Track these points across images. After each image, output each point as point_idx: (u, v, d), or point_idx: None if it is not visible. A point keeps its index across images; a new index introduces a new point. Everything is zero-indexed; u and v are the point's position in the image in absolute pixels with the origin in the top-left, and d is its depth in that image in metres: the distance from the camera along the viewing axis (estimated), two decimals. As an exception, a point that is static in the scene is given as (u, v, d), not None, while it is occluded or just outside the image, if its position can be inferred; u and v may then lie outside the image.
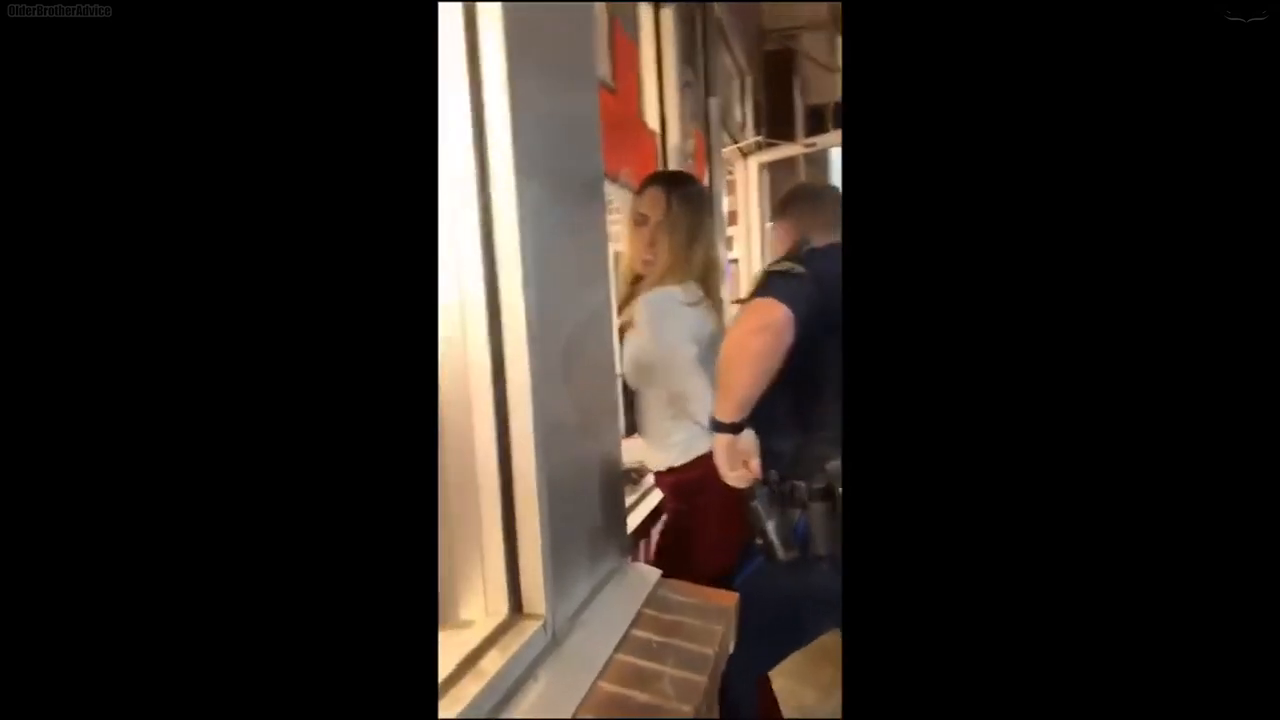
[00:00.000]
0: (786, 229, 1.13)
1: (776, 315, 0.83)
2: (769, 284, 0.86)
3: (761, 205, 2.64)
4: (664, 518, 1.20)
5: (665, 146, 1.60)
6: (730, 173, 2.63)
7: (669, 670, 0.68)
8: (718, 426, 0.88)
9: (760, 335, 0.83)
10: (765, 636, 1.00)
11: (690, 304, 1.07)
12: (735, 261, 2.71)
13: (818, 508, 0.90)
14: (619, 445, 0.97)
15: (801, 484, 0.91)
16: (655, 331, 1.06)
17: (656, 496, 1.24)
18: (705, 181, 1.88)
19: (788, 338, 0.83)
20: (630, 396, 1.15)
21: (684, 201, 1.11)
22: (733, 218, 2.64)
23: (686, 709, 0.62)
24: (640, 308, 1.06)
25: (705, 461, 1.06)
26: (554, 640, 0.70)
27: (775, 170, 2.68)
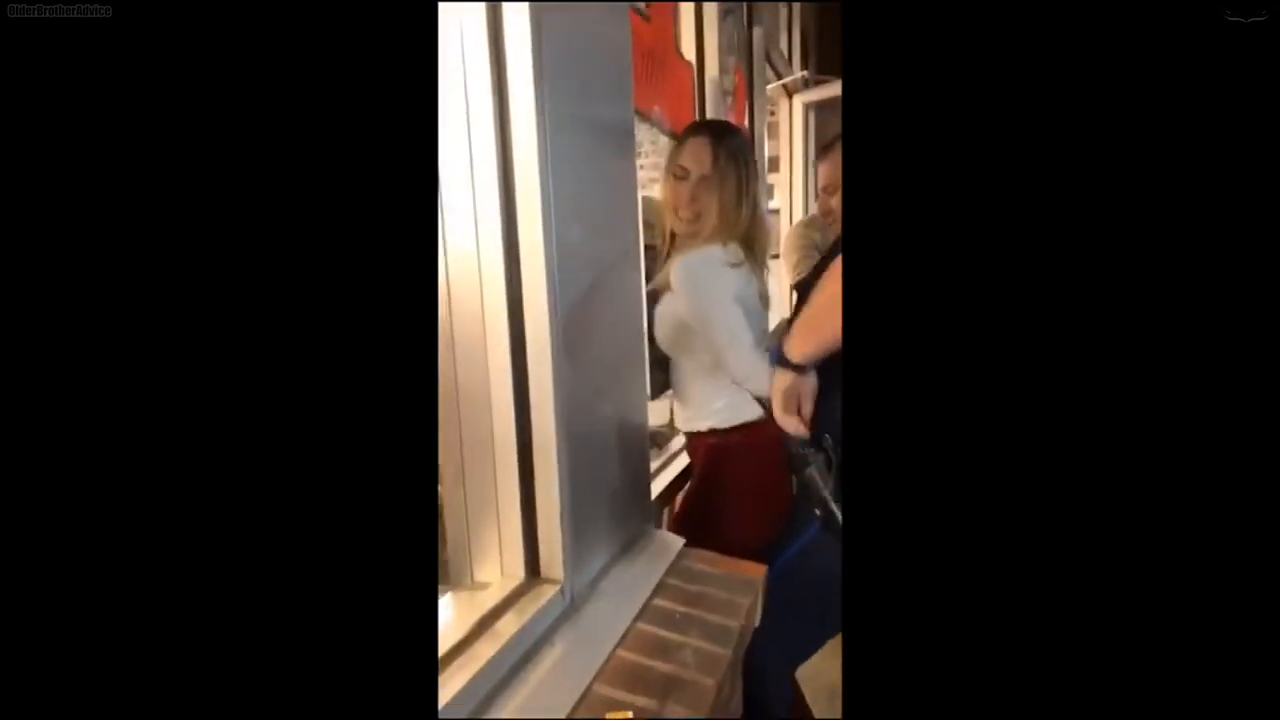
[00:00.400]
0: None
1: None
2: None
3: (807, 149, 2.48)
4: (689, 483, 1.15)
5: (703, 81, 1.48)
6: (773, 113, 2.46)
7: (691, 641, 0.66)
8: (784, 362, 0.81)
9: None
10: (816, 615, 0.96)
11: (733, 265, 0.99)
12: (776, 212, 2.58)
13: None
14: (644, 407, 0.93)
15: None
16: (695, 295, 0.98)
17: (683, 461, 1.20)
18: (746, 122, 1.76)
19: None
20: (657, 354, 1.09)
21: (731, 155, 1.01)
22: (774, 163, 2.48)
23: (709, 681, 0.60)
24: (678, 270, 0.98)
25: (749, 428, 1.02)
26: (572, 606, 0.68)
27: (823, 111, 2.49)
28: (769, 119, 2.40)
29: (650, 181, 1.24)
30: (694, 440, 1.12)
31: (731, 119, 1.63)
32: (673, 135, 1.32)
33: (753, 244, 1.04)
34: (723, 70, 1.56)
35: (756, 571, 0.81)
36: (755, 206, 1.04)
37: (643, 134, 1.24)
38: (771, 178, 2.44)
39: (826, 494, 0.84)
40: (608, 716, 0.55)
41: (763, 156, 1.90)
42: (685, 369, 1.07)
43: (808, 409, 0.83)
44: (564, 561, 0.68)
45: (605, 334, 0.77)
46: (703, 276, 0.97)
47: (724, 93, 1.57)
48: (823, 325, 0.78)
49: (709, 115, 1.47)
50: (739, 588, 0.76)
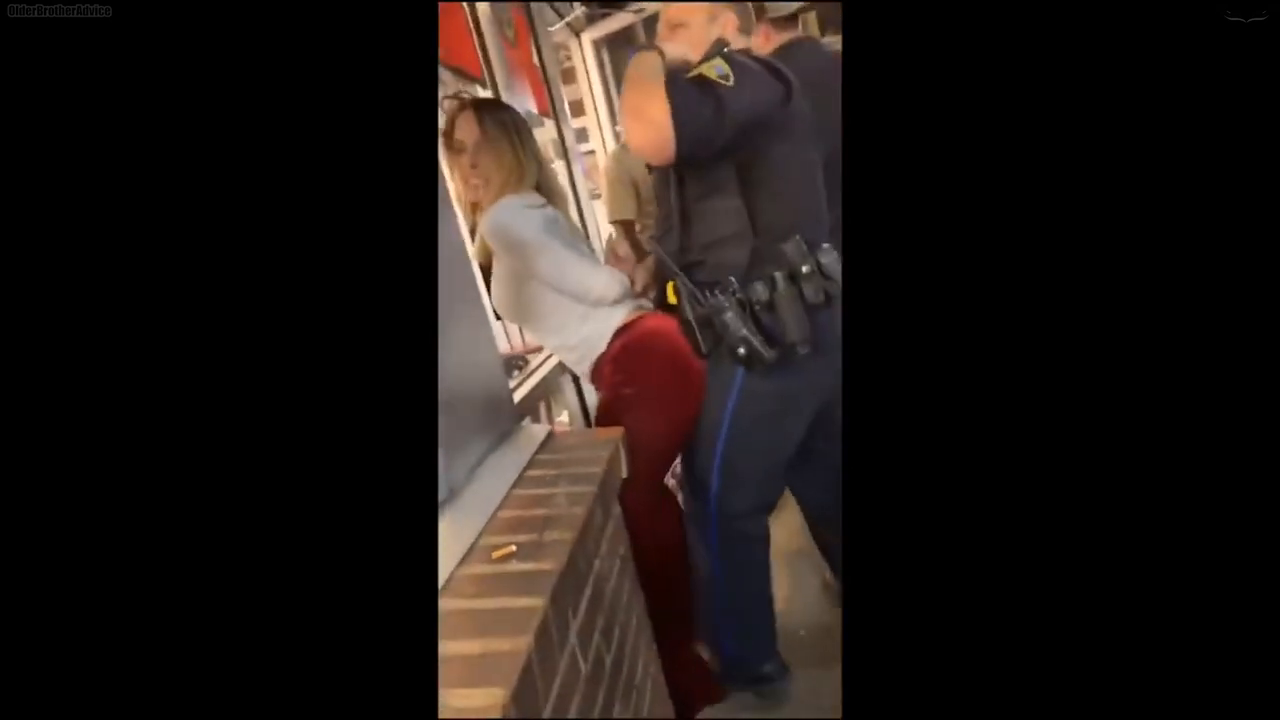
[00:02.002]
0: (697, 24, 1.03)
1: (658, 136, 0.84)
2: (674, 89, 0.85)
3: (606, 86, 2.57)
4: (599, 400, 1.19)
5: (477, 19, 1.50)
6: (567, 58, 2.52)
7: (561, 490, 0.75)
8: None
9: (639, 125, 0.86)
10: (767, 453, 1.07)
11: (533, 206, 1.07)
12: (591, 153, 2.66)
13: (784, 296, 0.94)
14: (488, 322, 0.98)
15: (759, 284, 0.95)
16: (507, 239, 1.04)
17: (541, 374, 1.28)
18: (535, 61, 1.81)
19: (660, 155, 0.87)
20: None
21: (497, 120, 1.09)
22: (578, 107, 2.56)
23: (578, 510, 0.70)
24: (485, 226, 1.04)
25: (641, 326, 1.09)
26: (452, 493, 0.74)
27: (614, 45, 2.59)
28: (565, 65, 2.46)
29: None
30: (596, 372, 1.16)
31: (516, 61, 1.68)
32: (457, 70, 1.35)
33: (550, 192, 1.12)
34: (500, 18, 1.59)
35: (614, 433, 0.92)
36: (538, 157, 1.12)
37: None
38: (579, 122, 2.51)
39: (746, 331, 0.93)
40: (494, 555, 0.63)
41: (562, 100, 1.96)
42: (540, 328, 1.13)
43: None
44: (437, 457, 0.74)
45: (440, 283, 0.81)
46: (508, 219, 1.04)
47: (502, 27, 1.59)
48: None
49: (490, 54, 1.50)
50: (599, 445, 0.87)
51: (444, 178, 0.97)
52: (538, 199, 1.09)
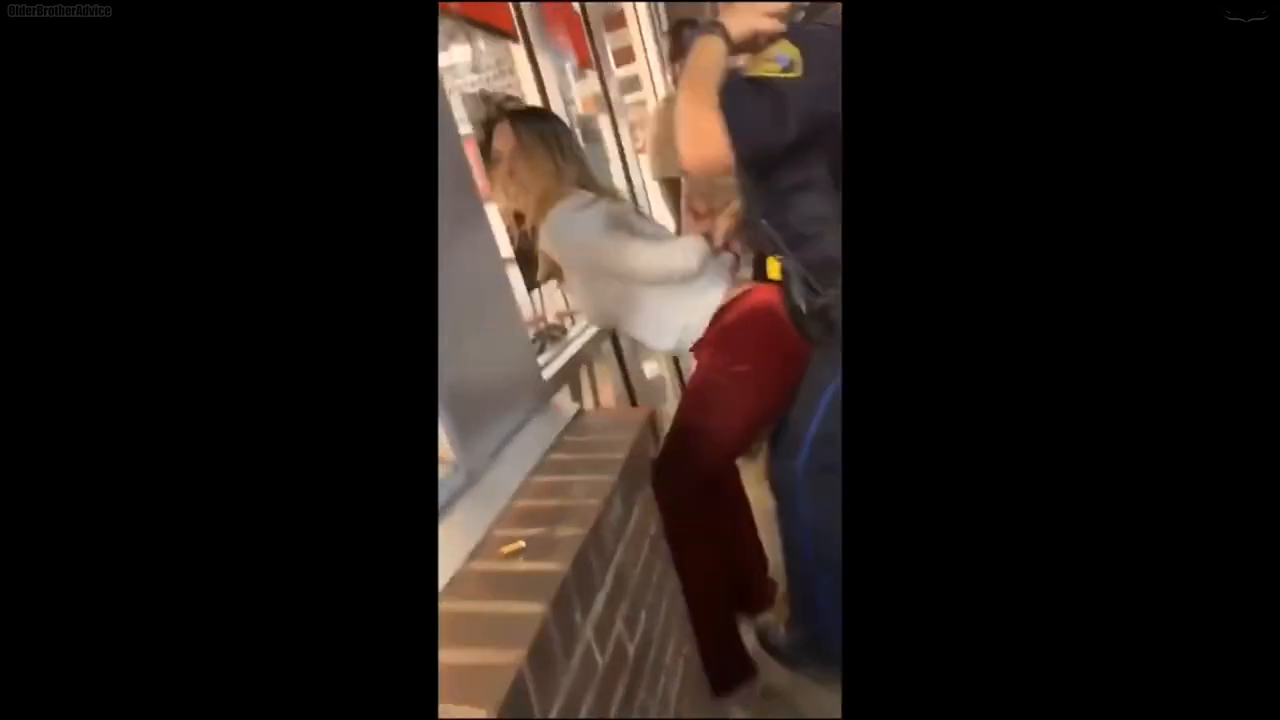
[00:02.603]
0: None
1: (710, 152, 0.77)
2: (728, 97, 0.76)
3: (655, 29, 2.42)
4: (694, 373, 1.16)
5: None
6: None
7: (579, 478, 0.73)
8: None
9: (690, 141, 0.78)
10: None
11: (584, 207, 1.05)
12: (643, 103, 2.54)
13: None
14: (515, 310, 0.95)
15: None
16: (574, 252, 1.04)
17: (577, 346, 1.25)
18: (577, 8, 1.71)
19: (715, 170, 0.80)
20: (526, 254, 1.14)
21: (531, 127, 1.09)
22: (627, 54, 2.42)
23: (594, 502, 0.67)
24: (546, 245, 1.04)
25: (740, 305, 1.06)
26: (469, 479, 0.73)
27: (671, 12, 2.41)
28: (613, 11, 2.33)
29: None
30: (698, 348, 1.13)
31: (553, 10, 1.58)
32: (486, 26, 1.31)
33: (593, 182, 1.11)
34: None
35: (641, 414, 0.88)
36: (579, 157, 1.11)
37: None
38: (628, 69, 2.39)
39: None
40: (502, 550, 0.62)
41: (605, 50, 1.85)
42: (637, 327, 1.12)
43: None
44: (451, 444, 0.72)
45: (463, 263, 0.79)
46: (564, 230, 1.04)
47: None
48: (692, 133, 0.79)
49: (525, 14, 1.42)
50: (626, 428, 0.84)
51: (474, 178, 0.92)
52: (586, 196, 1.07)
